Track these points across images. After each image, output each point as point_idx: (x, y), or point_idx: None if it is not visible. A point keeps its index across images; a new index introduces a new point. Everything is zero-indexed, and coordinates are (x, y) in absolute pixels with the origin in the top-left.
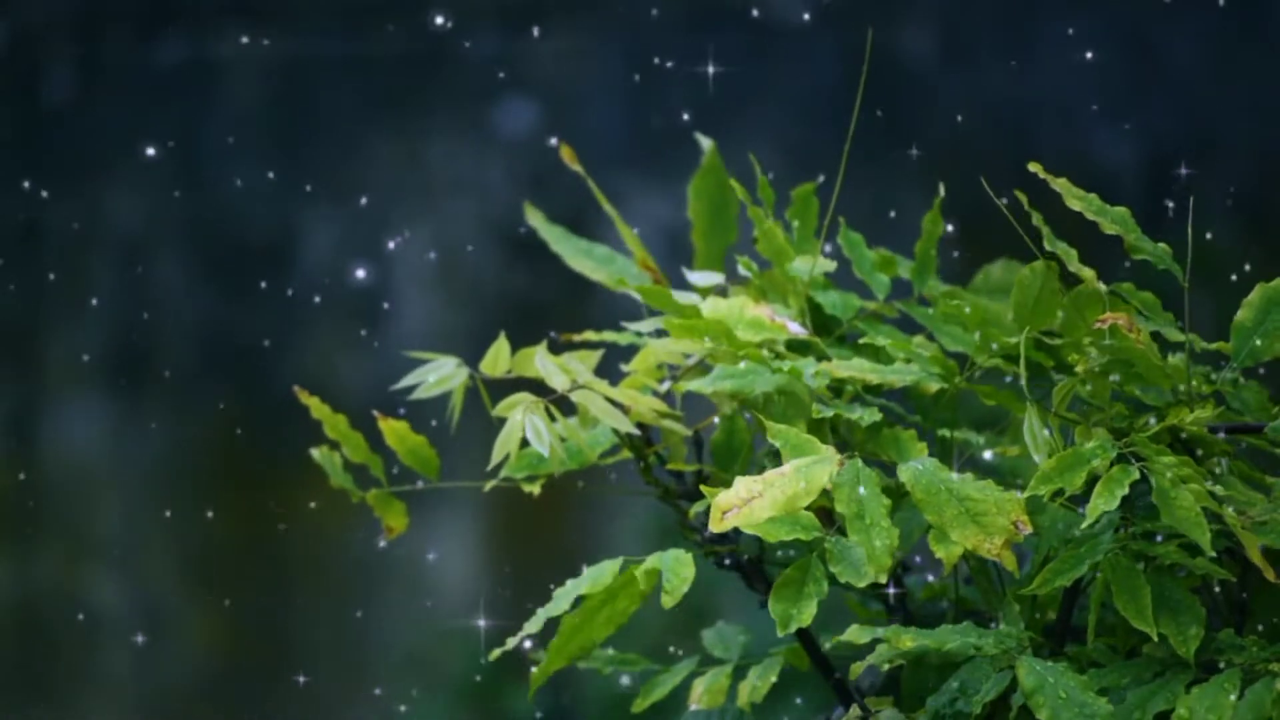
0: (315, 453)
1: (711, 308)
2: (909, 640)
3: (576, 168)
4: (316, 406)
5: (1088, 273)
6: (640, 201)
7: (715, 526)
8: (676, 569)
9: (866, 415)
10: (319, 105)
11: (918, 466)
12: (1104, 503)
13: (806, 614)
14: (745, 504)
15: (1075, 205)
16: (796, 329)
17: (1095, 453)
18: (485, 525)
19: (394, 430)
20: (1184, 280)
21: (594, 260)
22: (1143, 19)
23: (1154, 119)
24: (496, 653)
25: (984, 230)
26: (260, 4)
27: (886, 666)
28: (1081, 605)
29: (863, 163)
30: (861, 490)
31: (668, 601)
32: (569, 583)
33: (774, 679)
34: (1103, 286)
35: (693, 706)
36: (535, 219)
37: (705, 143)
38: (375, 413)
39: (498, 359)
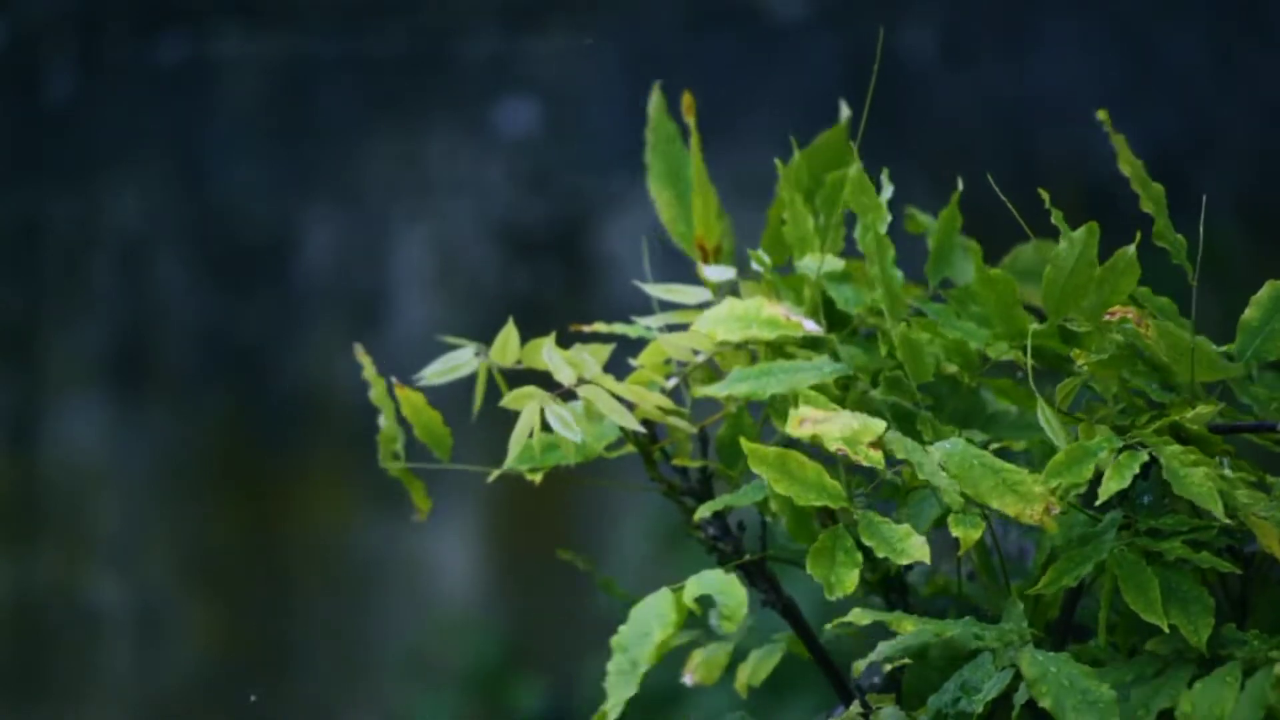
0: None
1: (728, 308)
2: (910, 625)
3: (689, 120)
4: (368, 365)
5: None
6: (639, 202)
7: (794, 431)
8: (728, 591)
9: (902, 398)
10: (319, 105)
11: (948, 446)
12: (1115, 484)
13: (848, 581)
14: (819, 421)
15: (1126, 170)
16: (812, 327)
17: (1101, 445)
18: (489, 522)
19: (410, 401)
20: (1193, 278)
21: (675, 191)
22: (1143, 19)
23: (1154, 119)
24: None
25: (982, 229)
26: (260, 4)
27: (889, 667)
28: (1084, 604)
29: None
30: (910, 447)
31: (729, 627)
32: (623, 629)
33: (774, 664)
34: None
35: (686, 677)
36: (656, 106)
37: (844, 111)
38: (393, 379)
39: (507, 347)
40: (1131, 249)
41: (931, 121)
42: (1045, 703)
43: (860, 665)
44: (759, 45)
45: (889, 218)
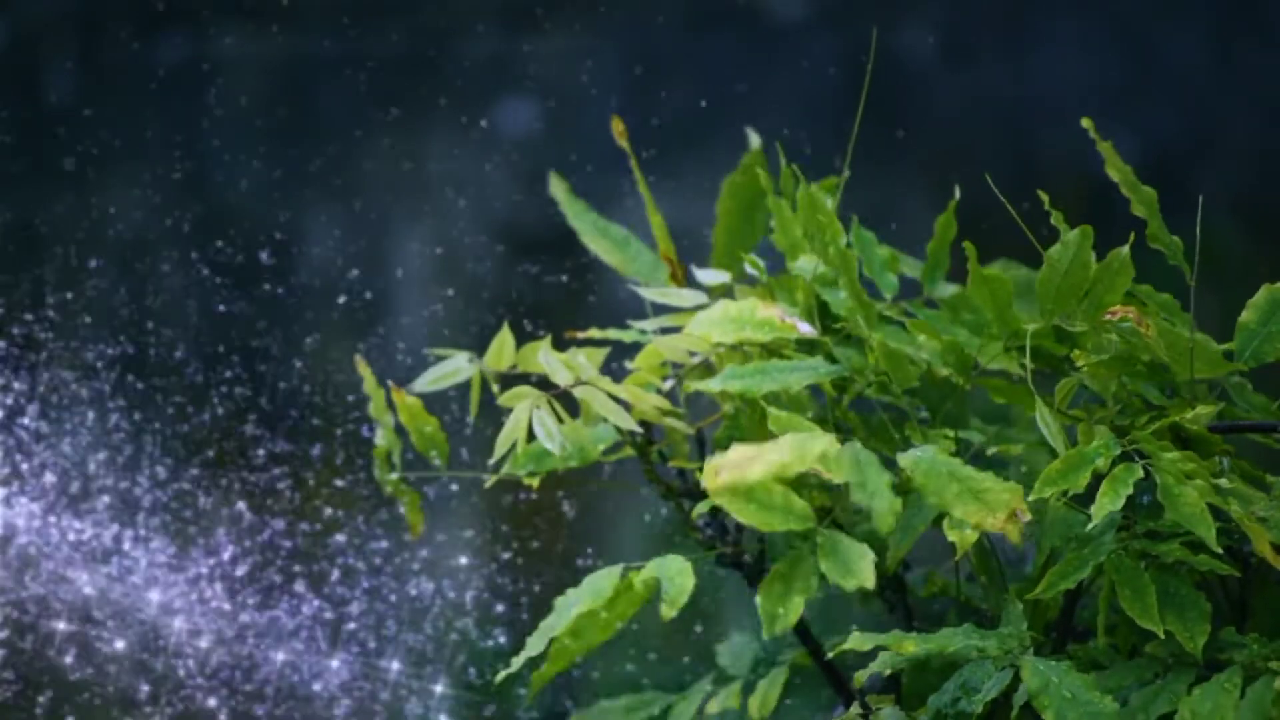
0: (378, 432)
1: (722, 310)
2: (911, 645)
3: (624, 144)
4: (369, 378)
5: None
6: (638, 202)
7: (709, 485)
8: (676, 578)
9: (895, 400)
10: (319, 105)
11: (918, 453)
12: (1109, 502)
13: (793, 613)
14: (739, 466)
15: (1114, 175)
16: (806, 329)
17: (1099, 451)
18: (487, 523)
19: (408, 407)
20: (1191, 279)
21: (609, 241)
22: (1143, 19)
23: (1154, 119)
24: (502, 675)
25: (981, 230)
26: (260, 4)
27: (888, 673)
28: (1084, 604)
29: (861, 162)
30: (862, 461)
31: (667, 612)
32: (569, 593)
33: (780, 689)
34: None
35: None
36: (559, 190)
37: (753, 140)
38: (390, 383)
39: (501, 351)
40: (1125, 249)
41: (931, 122)
42: (1048, 716)
43: (862, 676)
44: (759, 45)
45: (844, 233)
